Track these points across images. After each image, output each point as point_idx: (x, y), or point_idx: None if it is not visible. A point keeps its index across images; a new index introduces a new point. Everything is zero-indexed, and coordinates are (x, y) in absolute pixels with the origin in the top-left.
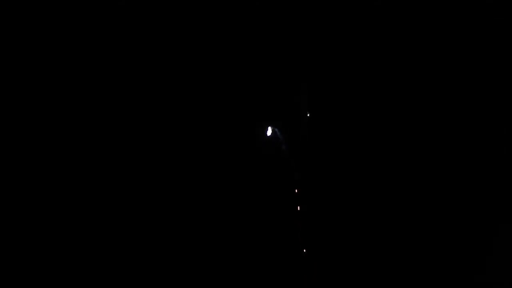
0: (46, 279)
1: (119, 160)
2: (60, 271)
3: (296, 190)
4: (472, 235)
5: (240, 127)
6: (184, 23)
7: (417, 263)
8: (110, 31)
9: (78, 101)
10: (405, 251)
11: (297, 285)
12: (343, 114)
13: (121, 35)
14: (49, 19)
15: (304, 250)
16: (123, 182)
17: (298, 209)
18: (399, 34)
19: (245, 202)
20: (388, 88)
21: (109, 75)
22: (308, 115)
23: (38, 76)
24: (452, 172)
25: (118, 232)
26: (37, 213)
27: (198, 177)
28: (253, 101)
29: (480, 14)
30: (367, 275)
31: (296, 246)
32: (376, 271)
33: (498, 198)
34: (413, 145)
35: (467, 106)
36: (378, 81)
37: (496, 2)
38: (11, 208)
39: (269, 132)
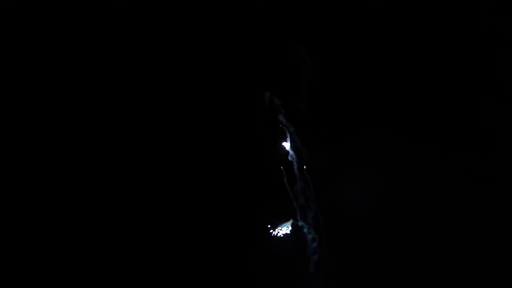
0: (46, 279)
1: (110, 145)
2: (60, 271)
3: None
4: (472, 235)
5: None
6: (184, 10)
7: (418, 263)
8: (110, 31)
9: (77, 100)
10: (406, 251)
11: (298, 285)
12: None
13: (121, 34)
14: (49, 19)
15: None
16: (116, 169)
17: (298, 206)
18: (401, 26)
19: (243, 195)
20: (392, 85)
21: (106, 71)
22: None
23: (37, 76)
24: (453, 172)
25: (117, 229)
26: (37, 212)
27: (195, 165)
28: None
29: (480, 14)
30: (367, 274)
31: (297, 244)
32: (376, 270)
33: (498, 198)
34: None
35: (474, 105)
36: (381, 75)
37: (496, 2)
38: (11, 208)
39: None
